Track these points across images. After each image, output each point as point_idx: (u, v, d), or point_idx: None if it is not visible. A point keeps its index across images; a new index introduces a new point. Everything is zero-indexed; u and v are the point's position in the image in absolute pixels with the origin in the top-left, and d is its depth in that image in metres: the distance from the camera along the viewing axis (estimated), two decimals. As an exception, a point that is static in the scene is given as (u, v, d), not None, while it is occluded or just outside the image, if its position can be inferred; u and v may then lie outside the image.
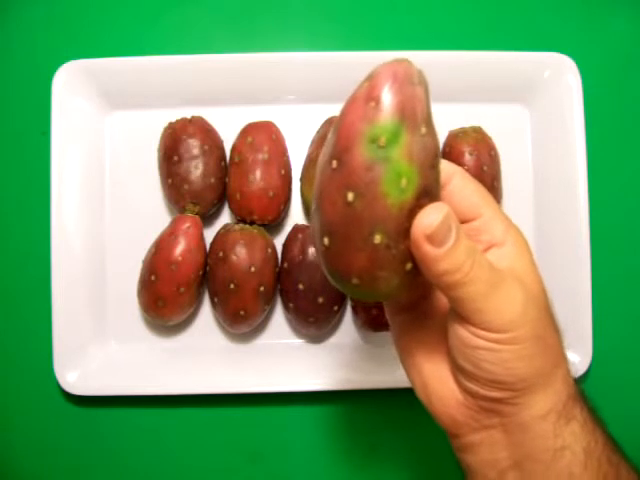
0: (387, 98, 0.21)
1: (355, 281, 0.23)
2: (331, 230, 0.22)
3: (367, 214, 0.21)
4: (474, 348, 0.23)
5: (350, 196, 0.21)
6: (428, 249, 0.22)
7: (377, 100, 0.21)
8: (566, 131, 0.44)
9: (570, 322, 0.42)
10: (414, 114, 0.21)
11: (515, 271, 0.24)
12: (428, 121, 0.22)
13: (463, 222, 0.25)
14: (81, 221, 0.44)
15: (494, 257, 0.25)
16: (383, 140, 0.21)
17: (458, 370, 0.25)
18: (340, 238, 0.22)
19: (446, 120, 0.45)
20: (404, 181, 0.21)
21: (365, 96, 0.21)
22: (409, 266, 0.23)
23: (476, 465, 0.26)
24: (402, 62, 0.22)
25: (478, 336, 0.23)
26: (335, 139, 0.22)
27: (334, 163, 0.22)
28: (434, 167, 0.22)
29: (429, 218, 0.21)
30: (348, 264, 0.23)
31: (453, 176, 0.25)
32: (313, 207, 0.24)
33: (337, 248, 0.23)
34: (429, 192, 0.22)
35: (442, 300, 0.28)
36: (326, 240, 0.23)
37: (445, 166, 0.24)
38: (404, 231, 0.22)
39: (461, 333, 0.24)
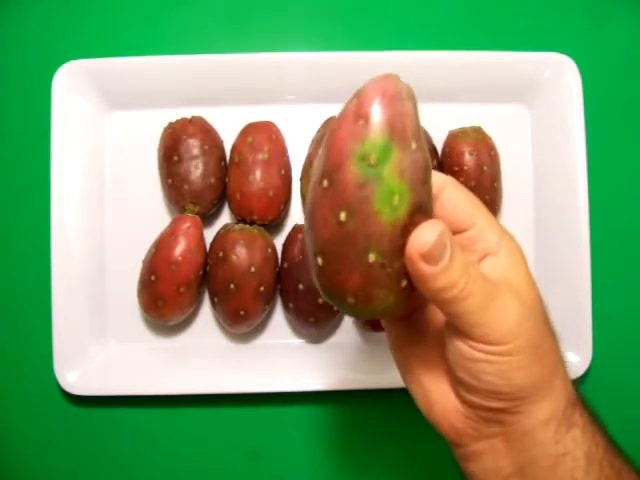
0: (376, 115, 0.21)
1: (350, 300, 0.23)
2: (324, 249, 0.22)
3: (360, 233, 0.21)
4: (473, 361, 0.23)
5: (342, 215, 0.21)
6: (423, 267, 0.21)
7: (366, 117, 0.21)
8: (566, 131, 0.44)
9: (570, 322, 0.43)
10: (404, 130, 0.21)
11: (509, 280, 0.24)
12: (418, 136, 0.21)
13: (457, 232, 0.25)
14: (81, 221, 0.44)
15: (489, 266, 0.25)
16: (373, 158, 0.20)
17: (457, 382, 0.25)
18: (334, 257, 0.22)
19: (446, 120, 0.45)
20: (396, 199, 0.21)
21: (354, 113, 0.21)
22: (404, 283, 0.23)
23: (479, 473, 0.26)
24: (390, 78, 0.21)
25: (476, 349, 0.23)
26: (325, 157, 0.22)
27: (325, 182, 0.21)
28: (425, 182, 0.22)
29: (424, 237, 0.21)
30: (343, 284, 0.22)
31: (444, 188, 0.25)
32: (306, 226, 0.23)
33: (331, 267, 0.22)
34: (422, 208, 0.22)
35: (437, 313, 0.27)
36: (320, 260, 0.22)
37: (435, 178, 0.24)
38: (398, 249, 0.22)
39: (459, 347, 0.23)
